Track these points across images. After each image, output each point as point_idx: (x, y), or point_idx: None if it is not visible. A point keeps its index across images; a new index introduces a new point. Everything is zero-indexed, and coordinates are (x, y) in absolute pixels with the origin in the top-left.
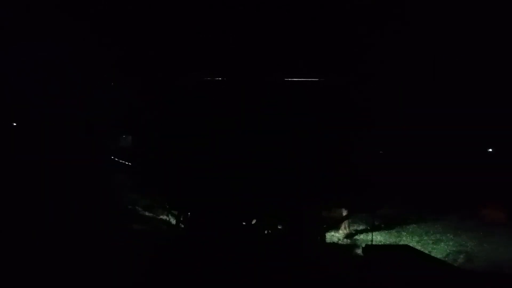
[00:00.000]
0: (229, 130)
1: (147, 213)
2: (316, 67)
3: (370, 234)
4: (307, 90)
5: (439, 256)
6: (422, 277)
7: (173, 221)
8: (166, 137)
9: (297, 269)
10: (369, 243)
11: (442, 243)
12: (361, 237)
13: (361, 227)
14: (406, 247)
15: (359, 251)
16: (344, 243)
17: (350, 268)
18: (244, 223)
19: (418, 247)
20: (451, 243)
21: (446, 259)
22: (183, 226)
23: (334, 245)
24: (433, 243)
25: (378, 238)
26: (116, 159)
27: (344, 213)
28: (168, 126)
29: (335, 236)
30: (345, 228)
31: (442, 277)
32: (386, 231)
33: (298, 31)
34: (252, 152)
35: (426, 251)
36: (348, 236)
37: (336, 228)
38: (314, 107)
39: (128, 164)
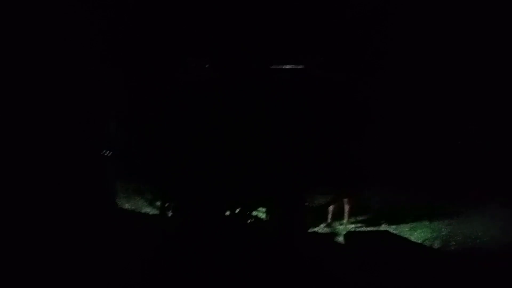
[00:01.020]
0: (218, 117)
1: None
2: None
3: (350, 223)
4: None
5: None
6: (402, 261)
7: (157, 212)
8: (151, 125)
9: (280, 257)
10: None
11: (418, 230)
12: (341, 226)
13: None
14: (386, 233)
15: (340, 239)
16: (325, 232)
17: (332, 254)
18: (230, 212)
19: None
20: (427, 230)
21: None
22: (168, 216)
23: (316, 233)
24: (409, 230)
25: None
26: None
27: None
28: (154, 114)
29: (318, 225)
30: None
31: (421, 261)
32: (365, 219)
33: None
34: (242, 139)
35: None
36: (330, 225)
37: (321, 217)
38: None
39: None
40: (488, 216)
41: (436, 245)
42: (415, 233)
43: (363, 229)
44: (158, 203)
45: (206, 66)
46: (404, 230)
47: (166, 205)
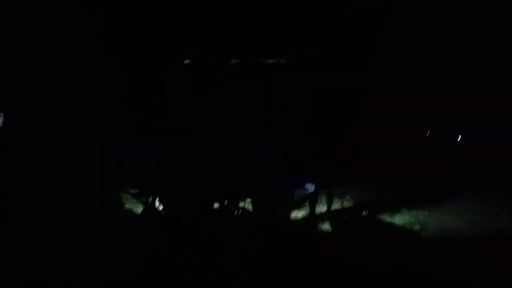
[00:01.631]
0: (205, 110)
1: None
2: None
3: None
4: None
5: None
6: (384, 244)
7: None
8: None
9: (268, 247)
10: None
11: (398, 216)
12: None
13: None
14: (367, 219)
15: (324, 226)
16: (309, 220)
17: (317, 240)
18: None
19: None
20: (406, 216)
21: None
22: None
23: (301, 220)
24: (389, 217)
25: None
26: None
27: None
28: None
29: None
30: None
31: (402, 244)
32: (346, 208)
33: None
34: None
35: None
36: (314, 214)
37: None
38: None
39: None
40: (464, 205)
41: (416, 229)
42: (395, 219)
43: (345, 217)
44: (146, 197)
45: (187, 62)
46: (384, 217)
47: (155, 199)
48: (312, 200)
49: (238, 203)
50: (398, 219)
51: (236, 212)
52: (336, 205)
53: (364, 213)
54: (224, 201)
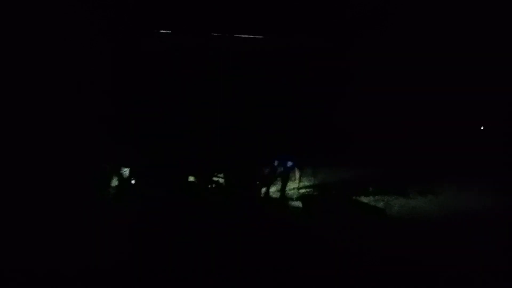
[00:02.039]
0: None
1: None
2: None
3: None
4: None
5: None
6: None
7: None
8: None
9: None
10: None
11: (363, 197)
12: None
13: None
14: (333, 196)
15: (295, 203)
16: (279, 196)
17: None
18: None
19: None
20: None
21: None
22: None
23: (272, 198)
24: (354, 197)
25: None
26: None
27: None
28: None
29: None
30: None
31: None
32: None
33: None
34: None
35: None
36: (284, 190)
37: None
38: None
39: None
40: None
41: (381, 206)
42: (360, 198)
43: (313, 193)
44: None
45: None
46: (349, 195)
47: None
48: (286, 178)
49: (211, 178)
50: (363, 199)
51: (210, 185)
52: (303, 183)
53: (330, 190)
54: (200, 177)
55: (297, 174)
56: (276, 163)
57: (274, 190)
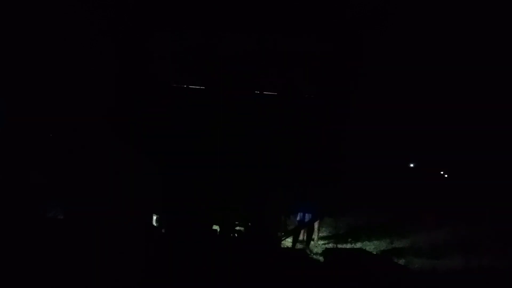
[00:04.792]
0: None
1: None
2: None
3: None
4: None
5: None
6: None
7: None
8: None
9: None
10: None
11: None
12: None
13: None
14: (360, 250)
15: (317, 256)
16: (301, 248)
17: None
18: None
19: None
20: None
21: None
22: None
23: (292, 249)
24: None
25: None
26: None
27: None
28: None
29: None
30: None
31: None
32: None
33: None
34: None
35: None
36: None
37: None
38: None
39: None
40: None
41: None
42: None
43: (331, 245)
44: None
45: None
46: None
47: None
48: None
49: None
50: (376, 244)
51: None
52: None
53: (348, 241)
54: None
55: (316, 225)
56: (299, 216)
57: (294, 241)
